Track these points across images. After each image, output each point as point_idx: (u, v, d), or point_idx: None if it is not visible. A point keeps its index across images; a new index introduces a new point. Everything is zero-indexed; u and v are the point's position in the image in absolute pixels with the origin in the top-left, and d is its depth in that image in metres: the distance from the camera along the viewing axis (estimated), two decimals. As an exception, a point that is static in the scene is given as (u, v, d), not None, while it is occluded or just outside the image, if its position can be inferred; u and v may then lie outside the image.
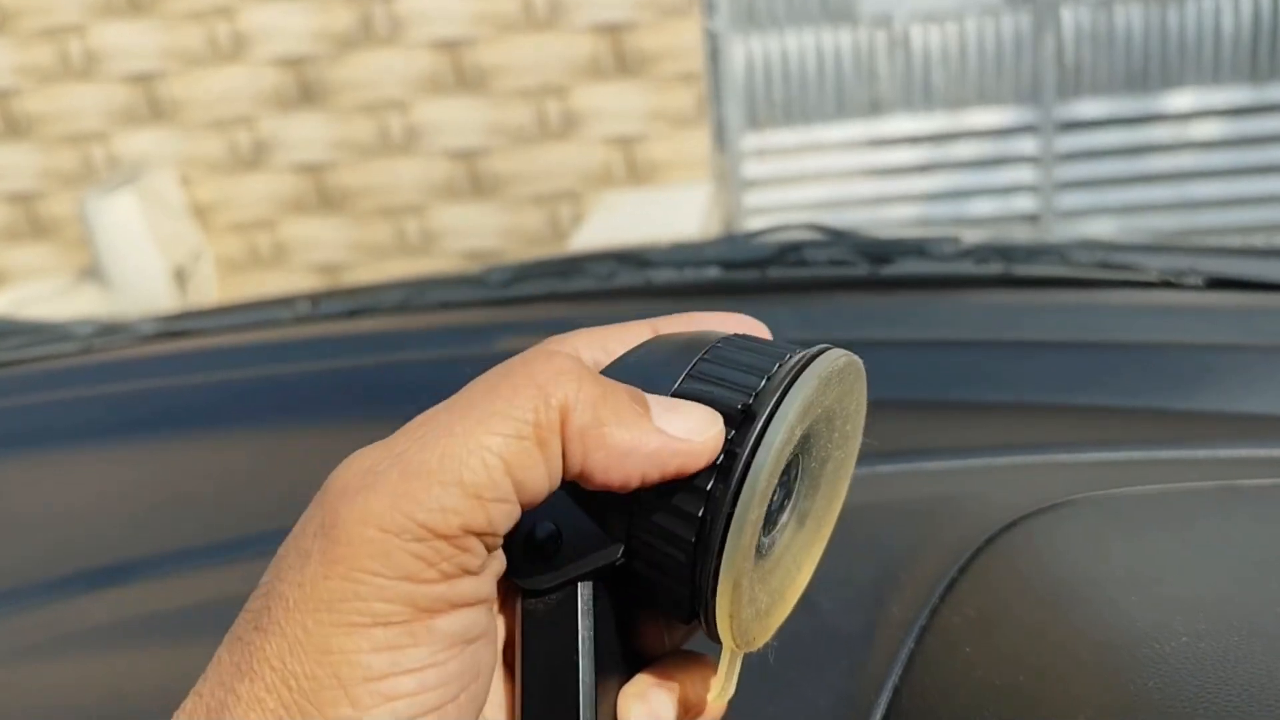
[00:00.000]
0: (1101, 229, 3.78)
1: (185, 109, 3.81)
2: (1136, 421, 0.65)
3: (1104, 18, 3.63)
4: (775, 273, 0.94)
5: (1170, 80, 3.66)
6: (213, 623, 0.56)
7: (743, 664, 0.32)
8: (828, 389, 0.31)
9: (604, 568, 0.30)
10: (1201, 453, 0.58)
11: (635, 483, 0.29)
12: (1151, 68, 3.65)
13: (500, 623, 0.31)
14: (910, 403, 0.70)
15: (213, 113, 3.81)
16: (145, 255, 3.60)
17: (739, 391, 0.30)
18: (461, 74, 3.67)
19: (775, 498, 0.32)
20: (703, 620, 0.30)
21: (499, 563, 0.29)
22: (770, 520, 0.32)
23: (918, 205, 3.87)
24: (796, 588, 0.34)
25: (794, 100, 3.81)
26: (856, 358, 0.32)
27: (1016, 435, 0.65)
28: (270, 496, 0.69)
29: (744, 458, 0.29)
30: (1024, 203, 3.80)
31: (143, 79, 3.78)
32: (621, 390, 0.29)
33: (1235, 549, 0.45)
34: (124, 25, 3.73)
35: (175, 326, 1.05)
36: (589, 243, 3.07)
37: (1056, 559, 0.46)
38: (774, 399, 0.30)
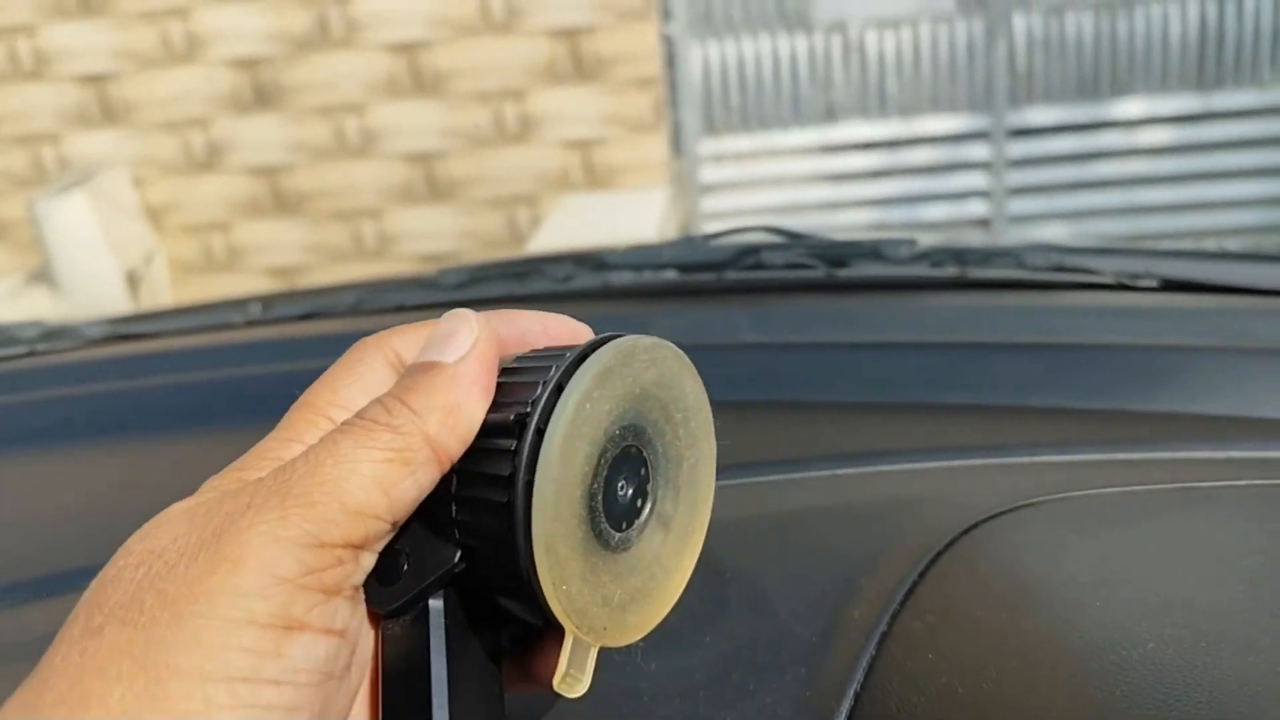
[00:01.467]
0: (1052, 234, 3.83)
1: (138, 110, 3.76)
2: (1094, 423, 0.65)
3: (1055, 25, 3.68)
4: (733, 275, 0.93)
5: (1120, 88, 3.71)
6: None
7: (700, 670, 0.32)
8: (631, 361, 0.33)
9: (446, 575, 0.32)
10: (1159, 454, 0.59)
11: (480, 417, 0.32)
12: (1101, 75, 3.70)
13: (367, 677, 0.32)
14: (868, 405, 0.70)
15: (166, 114, 3.76)
16: (97, 257, 3.55)
17: (540, 371, 0.32)
18: (418, 77, 3.65)
19: (623, 490, 0.33)
20: (541, 601, 0.31)
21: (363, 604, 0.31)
22: (623, 513, 0.33)
23: (872, 210, 3.89)
24: (666, 594, 0.35)
25: (750, 106, 3.82)
26: (674, 346, 0.34)
27: (975, 437, 0.65)
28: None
29: (537, 415, 0.31)
30: (976, 208, 3.83)
31: (95, 80, 3.73)
32: (418, 372, 0.32)
33: (1195, 551, 0.45)
34: (75, 25, 3.68)
35: (123, 330, 1.03)
36: (546, 246, 3.06)
37: (1017, 562, 0.46)
38: (565, 367, 0.32)
